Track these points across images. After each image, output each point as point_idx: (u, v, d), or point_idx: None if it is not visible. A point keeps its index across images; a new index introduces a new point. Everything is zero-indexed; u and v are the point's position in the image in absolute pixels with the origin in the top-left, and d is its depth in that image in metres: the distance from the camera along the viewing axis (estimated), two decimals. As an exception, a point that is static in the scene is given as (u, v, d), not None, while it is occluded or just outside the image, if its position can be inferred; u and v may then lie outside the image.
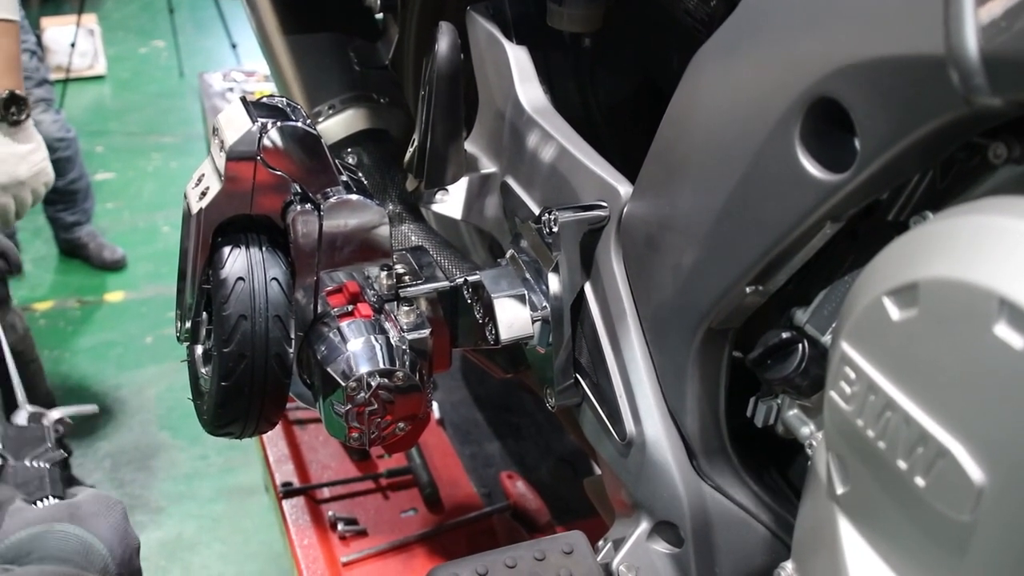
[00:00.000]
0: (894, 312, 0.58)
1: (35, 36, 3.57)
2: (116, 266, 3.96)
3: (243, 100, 0.94)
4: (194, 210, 0.92)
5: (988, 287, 0.51)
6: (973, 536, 0.55)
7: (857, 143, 0.64)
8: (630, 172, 0.95)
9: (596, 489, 1.16)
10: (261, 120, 0.91)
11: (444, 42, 1.05)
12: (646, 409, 0.92)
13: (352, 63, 1.53)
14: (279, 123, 0.91)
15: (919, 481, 0.58)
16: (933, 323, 0.56)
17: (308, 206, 0.94)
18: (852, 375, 0.63)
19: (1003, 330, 0.51)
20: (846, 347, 0.63)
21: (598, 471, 1.13)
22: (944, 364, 0.55)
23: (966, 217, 0.57)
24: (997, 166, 0.62)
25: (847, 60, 0.63)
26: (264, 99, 0.96)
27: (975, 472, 0.53)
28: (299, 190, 0.94)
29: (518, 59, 1.13)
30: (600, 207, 0.95)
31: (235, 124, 0.91)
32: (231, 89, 3.90)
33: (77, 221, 3.91)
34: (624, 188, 0.94)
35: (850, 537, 0.67)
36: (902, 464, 0.59)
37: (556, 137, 1.05)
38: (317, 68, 1.54)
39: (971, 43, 0.53)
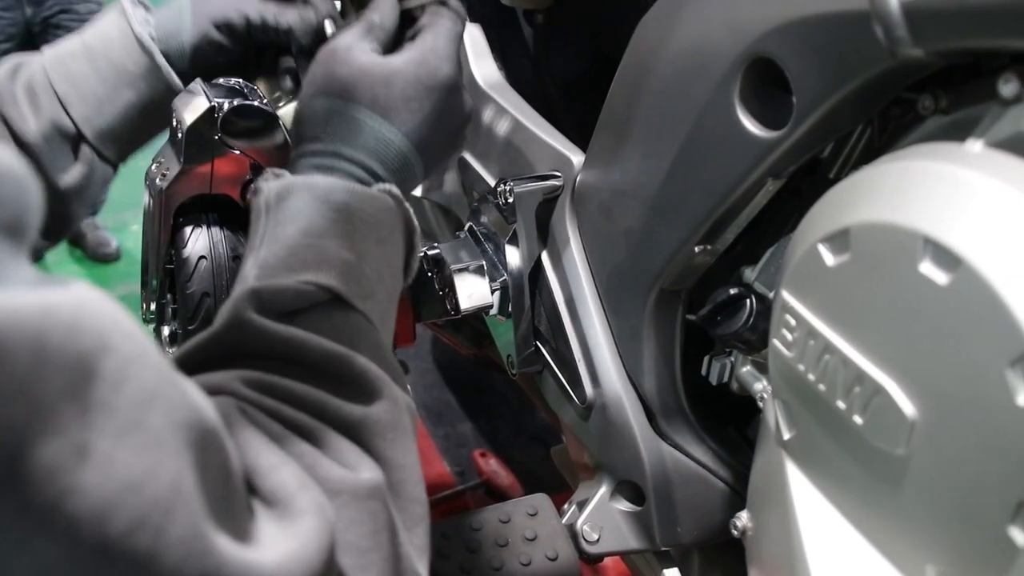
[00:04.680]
0: (828, 258, 0.61)
1: None
2: (107, 259, 3.95)
3: (200, 81, 0.95)
4: (155, 191, 0.94)
5: (913, 228, 0.54)
6: (908, 468, 0.57)
7: (793, 100, 0.66)
8: (585, 144, 0.97)
9: (562, 457, 1.19)
10: (218, 100, 0.92)
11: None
12: (604, 372, 0.95)
13: (311, 48, 1.54)
14: (236, 102, 0.93)
15: (857, 419, 0.60)
16: (864, 266, 0.58)
17: (267, 184, 0.95)
18: (793, 322, 0.66)
19: (928, 267, 0.53)
20: (786, 295, 0.66)
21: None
22: (876, 304, 0.58)
23: (891, 164, 0.59)
24: (926, 117, 0.64)
25: (780, 19, 0.65)
26: (221, 80, 0.97)
27: (907, 406, 0.56)
28: (258, 168, 0.95)
29: (472, 36, 1.15)
30: (554, 176, 0.97)
31: (192, 105, 0.92)
32: (196, 84, 3.88)
33: None
34: (577, 157, 0.96)
35: (797, 480, 0.69)
36: (841, 404, 0.61)
37: (510, 111, 1.07)
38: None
39: (892, -3, 0.56)
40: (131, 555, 0.34)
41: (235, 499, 0.44)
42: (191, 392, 0.41)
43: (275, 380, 0.59)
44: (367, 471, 0.56)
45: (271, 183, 0.71)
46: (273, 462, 0.49)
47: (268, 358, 0.61)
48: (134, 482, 0.35)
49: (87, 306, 0.36)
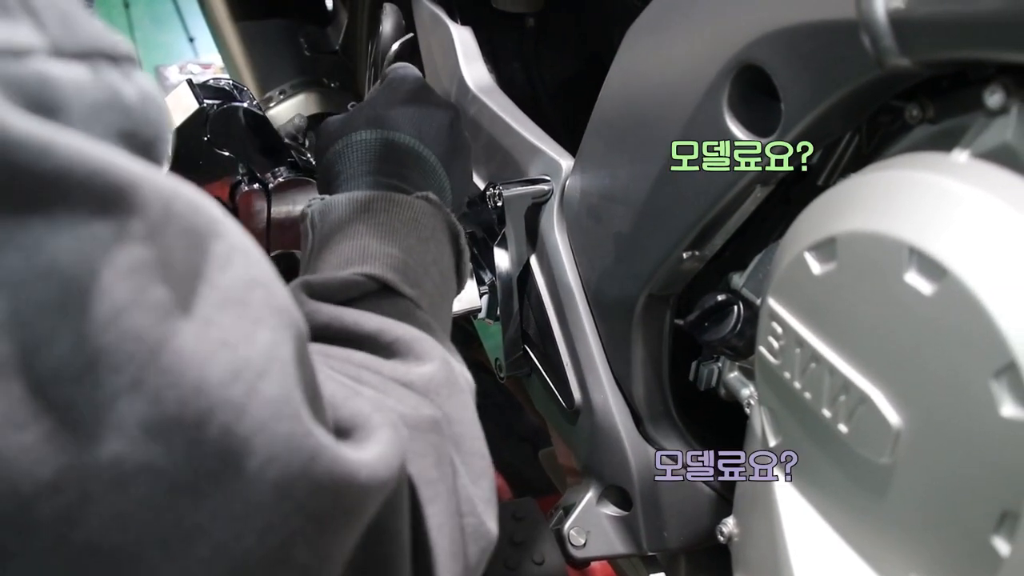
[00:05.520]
0: (815, 266, 0.61)
1: None
2: None
3: (190, 82, 0.95)
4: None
5: (898, 237, 0.54)
6: (892, 477, 0.57)
7: (781, 107, 0.66)
8: (575, 148, 0.97)
9: (550, 460, 1.19)
10: (208, 101, 0.92)
11: (388, 24, 1.06)
12: (592, 377, 0.95)
13: (302, 49, 1.55)
14: (226, 104, 0.93)
15: (842, 428, 0.60)
16: (850, 275, 0.58)
17: (256, 186, 0.95)
18: (779, 330, 0.66)
19: (913, 277, 0.53)
20: (773, 303, 0.66)
21: (555, 445, 1.16)
22: (862, 313, 0.58)
23: (878, 173, 0.59)
24: (913, 126, 0.64)
25: (769, 27, 0.65)
26: (211, 81, 0.97)
27: (892, 416, 0.56)
28: (247, 170, 0.95)
29: (463, 40, 1.15)
30: (544, 181, 0.97)
31: (182, 106, 0.92)
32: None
33: None
34: (566, 162, 0.96)
35: (783, 488, 0.69)
36: (826, 412, 0.61)
37: (500, 114, 1.06)
38: (267, 54, 1.55)
39: (879, 7, 0.55)
40: (226, 404, 0.36)
41: (321, 403, 0.45)
42: (290, 296, 0.43)
43: (332, 349, 0.62)
44: (427, 409, 0.59)
45: (314, 205, 0.77)
46: (348, 394, 0.50)
47: (322, 338, 0.63)
48: (230, 341, 0.37)
49: (206, 200, 0.39)
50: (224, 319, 0.37)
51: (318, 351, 0.61)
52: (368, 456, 0.45)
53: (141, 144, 0.38)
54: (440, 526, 0.56)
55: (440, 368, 0.63)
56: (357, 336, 0.63)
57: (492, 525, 0.62)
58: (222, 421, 0.36)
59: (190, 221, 0.37)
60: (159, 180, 0.35)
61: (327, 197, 0.78)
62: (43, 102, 0.33)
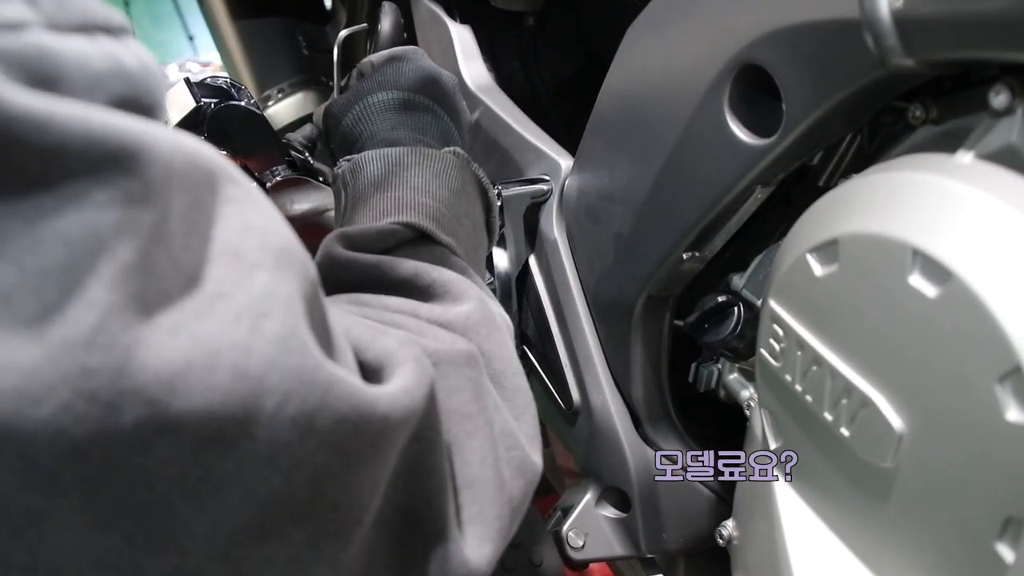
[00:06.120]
0: (817, 268, 0.60)
1: None
2: None
3: (187, 81, 0.95)
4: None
5: (902, 239, 0.53)
6: (895, 481, 0.57)
7: (783, 107, 0.66)
8: (575, 147, 0.96)
9: (549, 461, 1.18)
10: (205, 99, 0.91)
11: (387, 22, 1.06)
12: (591, 378, 0.94)
13: (301, 47, 1.54)
14: (223, 103, 0.92)
15: (844, 431, 0.60)
16: (853, 277, 0.58)
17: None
18: (780, 332, 0.65)
19: (917, 280, 0.53)
20: (774, 304, 0.65)
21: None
22: (864, 316, 0.57)
23: (881, 175, 0.59)
24: (916, 127, 0.64)
25: (771, 27, 0.65)
26: (208, 79, 0.97)
27: (895, 420, 0.55)
28: (244, 169, 0.95)
29: (462, 38, 1.14)
30: (543, 181, 0.97)
31: (179, 103, 0.92)
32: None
33: None
34: (566, 162, 0.96)
35: (783, 491, 0.69)
36: (828, 416, 0.61)
37: (499, 114, 1.06)
38: (266, 53, 1.55)
39: (883, 6, 0.55)
40: (232, 347, 0.36)
41: (333, 341, 0.45)
42: (296, 238, 0.43)
43: (368, 297, 0.62)
44: (462, 343, 0.58)
45: (343, 165, 0.78)
46: (375, 335, 0.50)
47: (359, 287, 0.64)
48: (224, 291, 0.37)
49: (206, 151, 0.39)
50: (217, 271, 0.37)
51: (353, 300, 0.61)
52: (389, 388, 0.45)
53: (144, 109, 0.38)
54: (483, 459, 0.55)
55: (477, 307, 0.64)
56: (393, 281, 0.64)
57: (537, 459, 0.62)
58: (232, 364, 0.36)
59: (190, 177, 0.37)
60: (160, 138, 0.35)
61: (354, 156, 0.78)
62: (43, 75, 0.33)
